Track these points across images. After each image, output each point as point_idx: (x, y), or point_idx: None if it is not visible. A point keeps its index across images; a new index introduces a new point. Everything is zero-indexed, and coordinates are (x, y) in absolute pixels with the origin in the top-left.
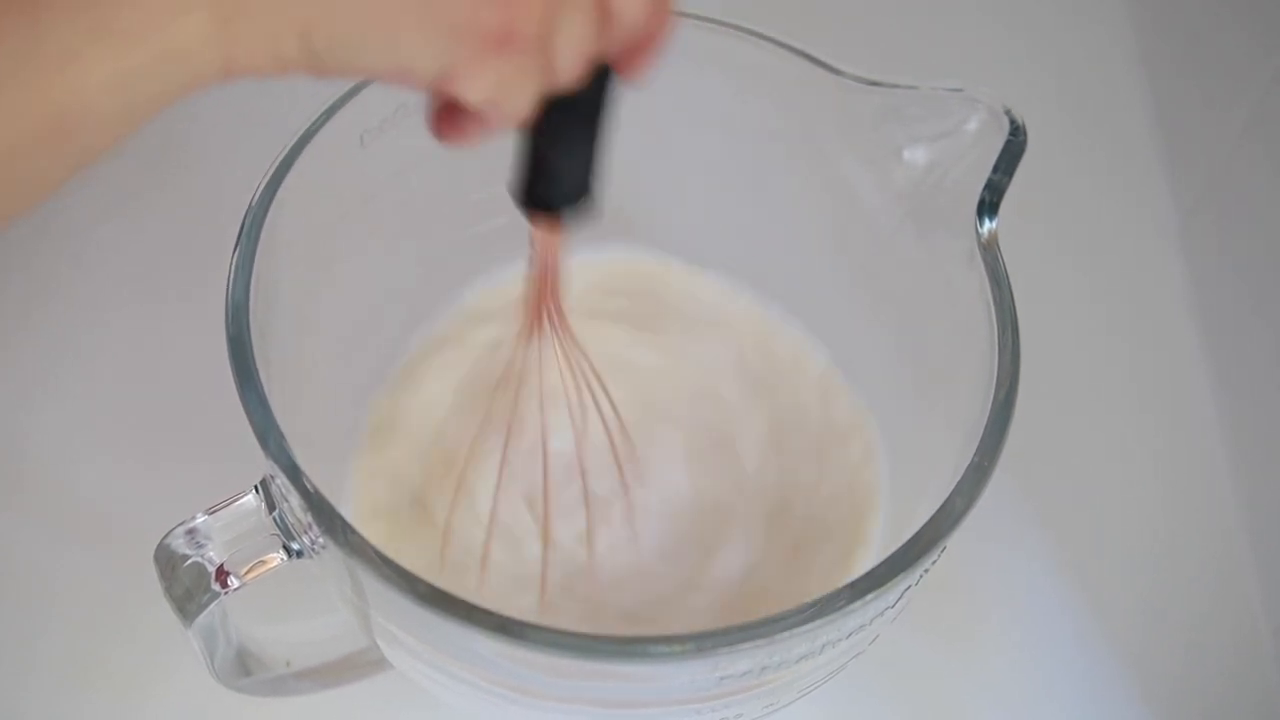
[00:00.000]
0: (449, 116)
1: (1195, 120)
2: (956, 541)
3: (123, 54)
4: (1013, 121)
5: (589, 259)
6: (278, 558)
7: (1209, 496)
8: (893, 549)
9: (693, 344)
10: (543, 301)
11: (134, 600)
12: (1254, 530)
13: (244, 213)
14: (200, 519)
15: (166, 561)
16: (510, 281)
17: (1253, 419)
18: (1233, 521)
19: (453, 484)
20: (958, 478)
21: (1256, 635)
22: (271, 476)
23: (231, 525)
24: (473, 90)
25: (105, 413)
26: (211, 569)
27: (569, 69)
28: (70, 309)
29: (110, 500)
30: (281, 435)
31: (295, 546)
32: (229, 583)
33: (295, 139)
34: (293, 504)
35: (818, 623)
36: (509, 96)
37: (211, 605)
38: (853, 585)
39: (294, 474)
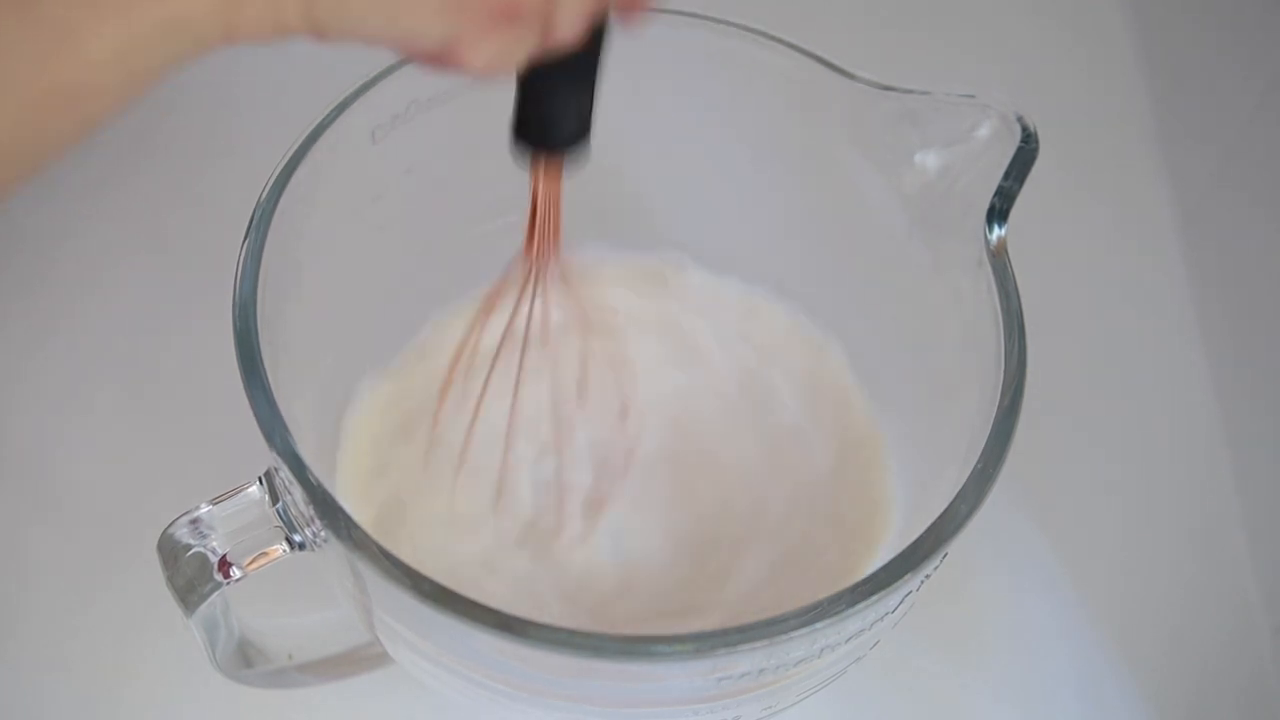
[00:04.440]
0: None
1: (1195, 122)
2: (957, 543)
3: (122, 26)
4: (1025, 128)
5: (599, 258)
6: (280, 550)
7: (1208, 497)
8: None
9: (700, 343)
10: (542, 247)
11: (138, 591)
12: (1253, 531)
13: (254, 205)
14: (204, 509)
15: (170, 551)
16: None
17: (1253, 419)
18: (1232, 522)
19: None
20: (961, 483)
21: (1256, 634)
22: (275, 469)
23: (235, 516)
24: (474, 60)
25: (112, 402)
26: (214, 559)
27: (570, 31)
28: (77, 297)
29: (116, 490)
30: (286, 430)
31: (298, 539)
32: (231, 573)
33: (307, 132)
34: (295, 497)
35: (817, 626)
36: (506, 62)
37: (213, 595)
38: (853, 589)
39: (298, 468)
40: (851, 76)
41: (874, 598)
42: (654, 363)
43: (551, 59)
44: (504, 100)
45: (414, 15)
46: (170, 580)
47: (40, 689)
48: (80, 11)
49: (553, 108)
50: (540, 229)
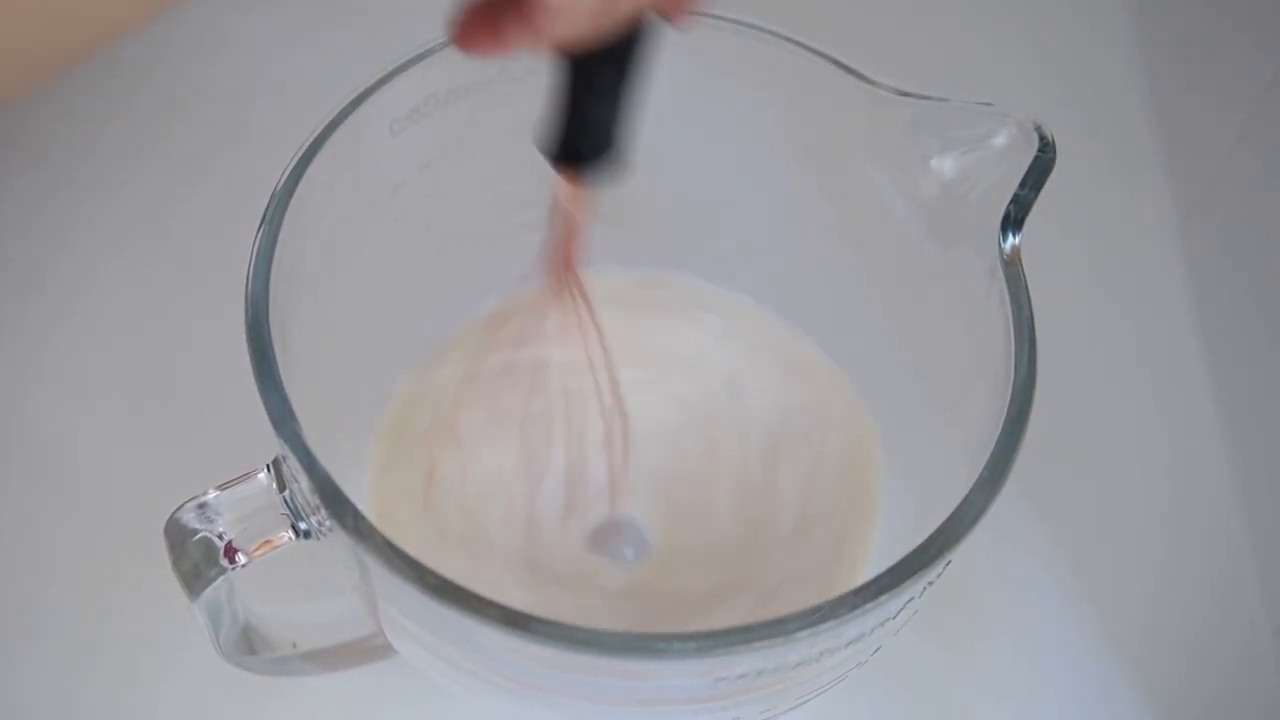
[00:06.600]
0: (485, 18)
1: (1195, 120)
2: (961, 547)
3: None
4: (1042, 137)
5: (603, 268)
6: (286, 537)
7: (1209, 497)
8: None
9: (700, 347)
10: (565, 263)
11: (140, 579)
12: (1254, 530)
13: (268, 196)
14: (212, 494)
15: (176, 535)
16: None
17: (1253, 420)
18: (1233, 522)
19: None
20: (966, 490)
21: (1257, 635)
22: (283, 457)
23: (243, 503)
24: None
25: (125, 393)
26: (220, 545)
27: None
28: (89, 289)
29: (133, 483)
30: (296, 422)
31: (304, 527)
32: (236, 559)
33: (323, 124)
34: (302, 485)
35: (819, 628)
36: (579, 5)
37: (218, 580)
38: (856, 592)
39: (307, 461)
40: (870, 81)
41: (876, 601)
42: (654, 373)
43: (590, 55)
44: (520, 95)
45: None
46: (176, 564)
47: (65, 687)
48: None
49: (585, 113)
50: (562, 245)
